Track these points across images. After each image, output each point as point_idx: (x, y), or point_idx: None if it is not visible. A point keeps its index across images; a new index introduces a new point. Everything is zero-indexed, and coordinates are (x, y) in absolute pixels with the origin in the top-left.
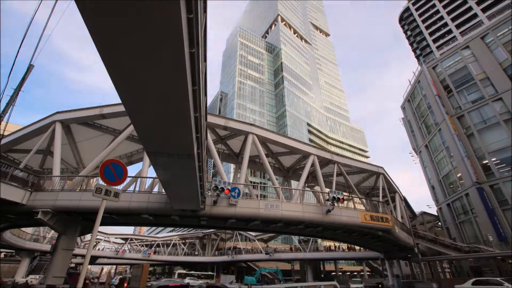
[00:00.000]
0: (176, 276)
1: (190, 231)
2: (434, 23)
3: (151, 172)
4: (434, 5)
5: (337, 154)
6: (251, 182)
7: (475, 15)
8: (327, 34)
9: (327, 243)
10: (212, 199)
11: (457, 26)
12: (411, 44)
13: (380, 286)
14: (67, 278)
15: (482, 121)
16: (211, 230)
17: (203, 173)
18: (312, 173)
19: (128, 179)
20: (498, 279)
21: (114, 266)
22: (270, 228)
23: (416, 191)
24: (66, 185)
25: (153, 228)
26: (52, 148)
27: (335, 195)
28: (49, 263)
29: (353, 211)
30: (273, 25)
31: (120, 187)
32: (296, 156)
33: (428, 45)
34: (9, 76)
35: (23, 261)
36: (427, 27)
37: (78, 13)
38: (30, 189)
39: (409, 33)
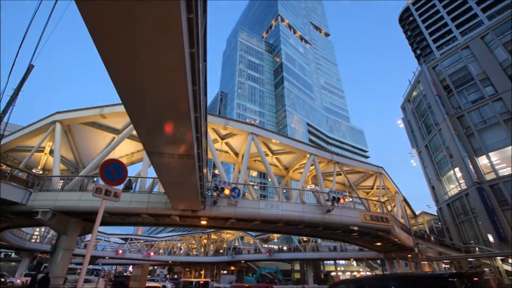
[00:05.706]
0: None
1: (190, 231)
2: (434, 23)
3: (151, 172)
4: (434, 5)
5: (337, 154)
6: (251, 182)
7: (475, 15)
8: (327, 34)
9: (327, 244)
10: (212, 199)
11: (457, 26)
12: (411, 44)
13: None
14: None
15: (482, 121)
16: (211, 230)
17: (203, 173)
18: (312, 173)
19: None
20: None
21: (114, 266)
22: (270, 228)
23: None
24: (66, 185)
25: (153, 228)
26: (52, 147)
27: (335, 195)
28: (49, 263)
29: (353, 211)
30: (273, 25)
31: (120, 187)
32: (296, 156)
33: (428, 45)
34: (9, 76)
35: (23, 261)
36: (427, 27)
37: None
38: (30, 189)
39: (409, 33)
